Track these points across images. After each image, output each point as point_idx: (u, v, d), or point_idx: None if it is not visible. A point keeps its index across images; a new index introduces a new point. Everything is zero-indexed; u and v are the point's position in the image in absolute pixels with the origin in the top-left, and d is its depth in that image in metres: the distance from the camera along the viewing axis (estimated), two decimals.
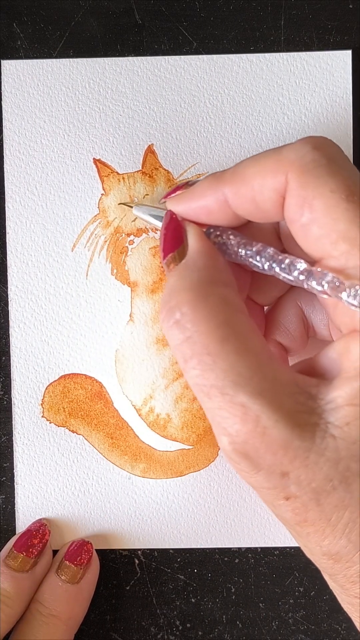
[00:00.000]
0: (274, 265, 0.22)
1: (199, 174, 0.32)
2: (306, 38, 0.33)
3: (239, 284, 0.26)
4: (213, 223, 0.24)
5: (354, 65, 0.32)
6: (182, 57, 0.32)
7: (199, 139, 0.32)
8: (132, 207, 0.29)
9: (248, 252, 0.23)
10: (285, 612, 0.33)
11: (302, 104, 0.32)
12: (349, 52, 0.32)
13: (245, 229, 0.25)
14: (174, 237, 0.23)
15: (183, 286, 0.21)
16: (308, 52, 0.32)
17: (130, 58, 0.32)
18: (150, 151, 0.32)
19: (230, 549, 0.33)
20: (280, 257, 0.22)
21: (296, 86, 0.32)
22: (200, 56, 0.32)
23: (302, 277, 0.21)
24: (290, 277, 0.22)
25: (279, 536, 0.32)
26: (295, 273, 0.21)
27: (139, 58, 0.32)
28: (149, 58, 0.32)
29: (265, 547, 0.33)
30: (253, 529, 0.32)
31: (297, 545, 0.32)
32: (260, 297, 0.28)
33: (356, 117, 0.32)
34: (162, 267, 0.32)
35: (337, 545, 0.20)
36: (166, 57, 0.32)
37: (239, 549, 0.33)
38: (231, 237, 0.23)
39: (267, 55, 0.32)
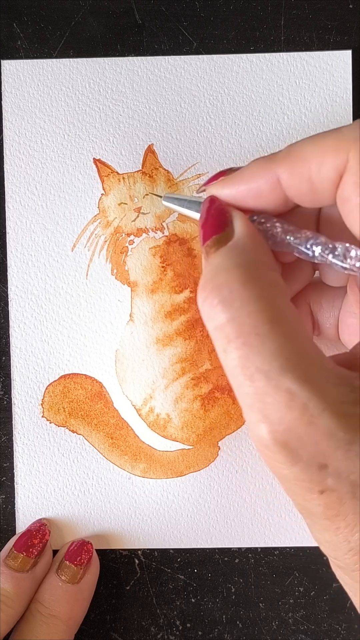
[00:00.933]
0: (326, 252, 0.21)
1: (199, 174, 0.32)
2: (306, 38, 0.33)
3: None
4: (259, 208, 0.23)
5: (354, 65, 0.32)
6: (182, 57, 0.32)
7: (199, 139, 0.32)
8: (161, 196, 0.28)
9: (296, 240, 0.22)
10: (285, 612, 0.33)
11: (302, 104, 0.32)
12: (349, 52, 0.32)
13: (286, 217, 0.24)
14: (218, 220, 0.22)
15: (232, 265, 0.20)
16: (308, 52, 0.32)
17: (130, 58, 0.32)
18: (150, 151, 0.32)
19: (230, 549, 0.33)
20: (333, 245, 0.21)
21: (296, 86, 0.32)
22: (200, 56, 0.32)
23: (358, 264, 0.21)
24: (346, 265, 0.21)
25: (279, 536, 0.32)
26: (351, 260, 0.21)
27: (139, 58, 0.32)
28: (149, 58, 0.32)
29: (265, 547, 0.33)
30: (253, 529, 0.32)
31: (297, 545, 0.32)
32: None
33: (356, 117, 0.32)
34: (162, 266, 0.32)
35: None
36: (166, 57, 0.32)
37: (239, 549, 0.33)
38: (277, 224, 0.23)
39: (267, 55, 0.32)
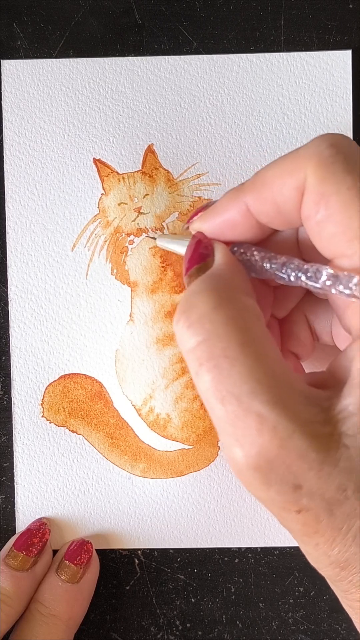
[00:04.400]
0: (300, 275, 0.22)
1: (199, 174, 0.32)
2: (306, 38, 0.33)
3: (263, 302, 0.26)
4: (238, 238, 0.24)
5: (354, 65, 0.32)
6: (182, 57, 0.32)
7: (199, 139, 0.32)
8: (155, 238, 0.30)
9: (273, 266, 0.23)
10: (285, 612, 0.33)
11: (302, 104, 0.32)
12: (349, 52, 0.32)
13: (267, 244, 0.25)
14: (200, 252, 0.23)
15: (205, 289, 0.21)
16: (308, 52, 0.32)
17: (130, 58, 0.32)
18: (150, 151, 0.32)
19: (230, 549, 0.33)
20: (305, 267, 0.22)
21: (296, 86, 0.32)
22: (200, 56, 0.32)
23: (329, 283, 0.21)
24: (318, 285, 0.21)
25: (279, 536, 0.32)
26: (322, 280, 0.21)
27: (139, 58, 0.32)
28: (149, 58, 0.32)
29: (265, 547, 0.33)
30: (253, 529, 0.32)
31: (297, 545, 0.32)
32: (278, 311, 0.28)
33: (356, 117, 0.32)
34: (162, 266, 0.32)
35: (347, 553, 0.19)
36: (166, 57, 0.32)
37: (239, 549, 0.33)
38: (255, 252, 0.23)
39: (267, 55, 0.32)
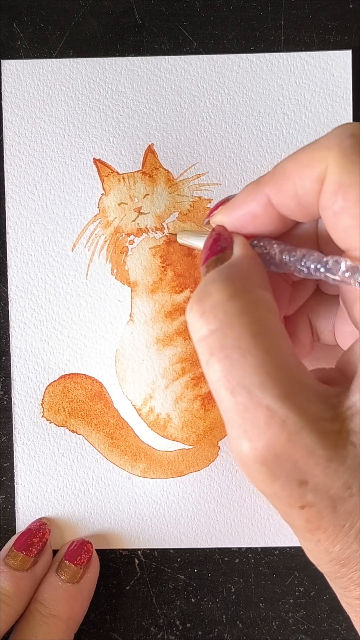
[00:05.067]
0: (319, 267, 0.22)
1: (199, 174, 0.32)
2: (306, 38, 0.33)
3: (280, 298, 0.26)
4: (258, 230, 0.24)
5: (354, 65, 0.32)
6: (182, 57, 0.32)
7: (199, 139, 0.32)
8: (175, 234, 0.31)
9: (292, 259, 0.23)
10: (285, 612, 0.33)
11: (302, 104, 0.32)
12: (349, 52, 0.32)
13: (286, 238, 0.25)
14: (220, 244, 0.23)
15: (221, 278, 0.21)
16: (308, 52, 0.32)
17: (130, 58, 0.32)
18: (150, 151, 0.32)
19: (230, 549, 0.33)
20: (325, 259, 0.22)
21: (296, 86, 0.32)
22: (200, 56, 0.32)
23: (347, 275, 0.21)
24: (337, 277, 0.21)
25: (279, 536, 0.32)
26: (341, 270, 0.21)
27: (139, 58, 0.32)
28: (149, 58, 0.32)
29: (265, 547, 0.33)
30: (253, 529, 0.32)
31: (297, 545, 0.32)
32: (288, 309, 0.28)
33: (356, 117, 0.32)
34: (162, 266, 0.32)
35: (348, 551, 0.19)
36: (166, 57, 0.32)
37: (239, 549, 0.33)
38: (274, 245, 0.23)
39: (267, 55, 0.32)
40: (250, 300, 0.20)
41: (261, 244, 0.24)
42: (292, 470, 0.19)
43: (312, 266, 0.22)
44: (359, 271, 0.21)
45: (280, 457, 0.19)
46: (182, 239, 0.29)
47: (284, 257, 0.23)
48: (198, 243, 0.27)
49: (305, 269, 0.22)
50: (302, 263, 0.22)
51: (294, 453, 0.19)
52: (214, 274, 0.21)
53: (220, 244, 0.23)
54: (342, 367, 0.21)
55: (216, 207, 0.25)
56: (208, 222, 0.25)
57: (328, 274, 0.22)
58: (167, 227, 0.32)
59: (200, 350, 0.20)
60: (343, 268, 0.21)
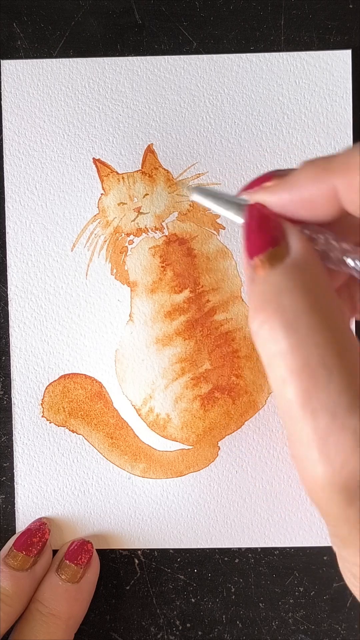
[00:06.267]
0: None
1: (199, 174, 0.32)
2: (306, 38, 0.33)
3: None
4: (309, 219, 0.21)
5: (354, 65, 0.32)
6: (182, 57, 0.32)
7: (199, 139, 0.32)
8: (189, 188, 0.25)
9: (357, 262, 0.20)
10: (285, 612, 0.33)
11: (302, 104, 0.32)
12: (349, 52, 0.32)
13: (331, 227, 0.21)
14: (270, 232, 0.20)
15: (296, 286, 0.19)
16: (308, 52, 0.32)
17: (130, 58, 0.32)
18: (150, 151, 0.32)
19: (230, 549, 0.33)
20: None
21: (296, 86, 0.32)
22: (200, 56, 0.32)
23: None
24: None
25: (279, 536, 0.32)
26: None
27: (139, 58, 0.32)
28: (149, 58, 0.32)
29: (265, 547, 0.33)
30: (253, 529, 0.32)
31: (297, 545, 0.32)
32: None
33: (356, 117, 0.32)
34: (162, 266, 0.32)
35: None
36: (166, 57, 0.32)
37: (239, 549, 0.33)
38: (333, 242, 0.20)
39: (267, 55, 0.32)
40: (329, 312, 0.18)
41: (314, 236, 0.20)
42: None
43: None
44: None
45: None
46: (198, 197, 0.22)
47: (345, 258, 0.20)
48: (218, 208, 0.22)
49: None
50: None
51: None
52: (283, 279, 0.19)
53: (271, 232, 0.20)
54: None
55: (259, 180, 0.21)
56: (242, 194, 0.22)
57: None
58: (167, 227, 0.32)
59: (275, 365, 0.18)
60: None
